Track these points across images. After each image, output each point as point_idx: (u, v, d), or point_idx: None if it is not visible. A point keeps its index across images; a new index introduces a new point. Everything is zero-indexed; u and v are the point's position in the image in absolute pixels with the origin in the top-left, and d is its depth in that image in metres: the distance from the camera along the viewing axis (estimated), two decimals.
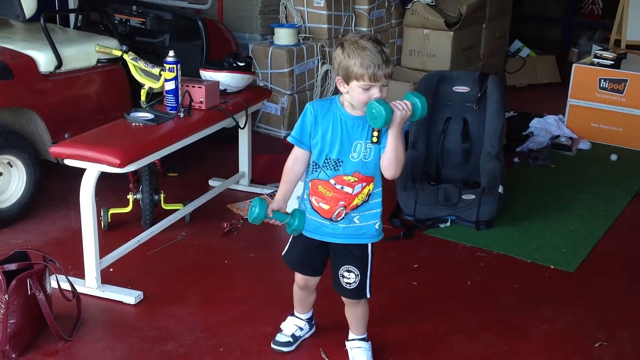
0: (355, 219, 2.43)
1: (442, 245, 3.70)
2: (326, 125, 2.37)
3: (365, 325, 2.67)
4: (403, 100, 2.31)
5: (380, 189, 2.45)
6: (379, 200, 2.46)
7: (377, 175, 2.42)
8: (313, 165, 2.43)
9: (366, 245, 2.49)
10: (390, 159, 2.34)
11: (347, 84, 2.30)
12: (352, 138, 2.36)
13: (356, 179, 2.38)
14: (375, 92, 2.27)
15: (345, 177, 2.38)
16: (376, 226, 2.47)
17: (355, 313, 2.64)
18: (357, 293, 2.53)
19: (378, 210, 2.46)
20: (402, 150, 2.34)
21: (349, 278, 2.50)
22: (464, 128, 4.27)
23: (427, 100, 2.12)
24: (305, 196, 2.48)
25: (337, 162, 2.37)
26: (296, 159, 2.45)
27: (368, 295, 2.55)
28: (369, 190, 2.42)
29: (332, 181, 2.39)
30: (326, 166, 2.39)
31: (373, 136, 2.34)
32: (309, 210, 2.47)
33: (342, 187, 2.39)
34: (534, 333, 2.94)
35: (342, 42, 2.32)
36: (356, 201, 2.41)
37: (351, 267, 2.49)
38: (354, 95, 2.30)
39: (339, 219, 2.43)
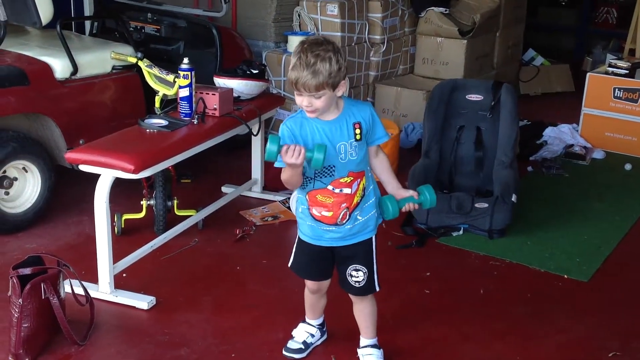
0: (358, 216, 2.45)
1: (454, 254, 3.69)
2: (305, 137, 2.35)
3: (375, 325, 2.68)
4: (414, 205, 2.48)
5: (369, 176, 2.46)
6: (372, 187, 2.48)
7: (366, 168, 2.45)
8: (306, 180, 2.41)
9: (370, 239, 2.51)
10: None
11: None
12: (334, 141, 2.35)
13: (352, 178, 2.40)
14: (300, 100, 2.27)
15: (342, 180, 2.39)
16: (375, 215, 2.50)
17: (363, 310, 2.64)
18: (366, 290, 2.56)
19: (373, 199, 2.49)
20: None
21: (358, 277, 2.52)
22: (477, 136, 4.26)
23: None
24: (303, 210, 2.47)
25: (330, 168, 2.38)
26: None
27: (377, 289, 2.57)
28: (363, 184, 2.44)
29: (330, 187, 2.40)
30: (320, 175, 2.39)
31: (356, 134, 2.36)
32: (310, 221, 2.46)
33: (341, 190, 2.40)
34: (547, 343, 2.92)
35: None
36: (356, 199, 2.43)
37: (359, 266, 2.51)
38: None
39: (344, 221, 2.43)
